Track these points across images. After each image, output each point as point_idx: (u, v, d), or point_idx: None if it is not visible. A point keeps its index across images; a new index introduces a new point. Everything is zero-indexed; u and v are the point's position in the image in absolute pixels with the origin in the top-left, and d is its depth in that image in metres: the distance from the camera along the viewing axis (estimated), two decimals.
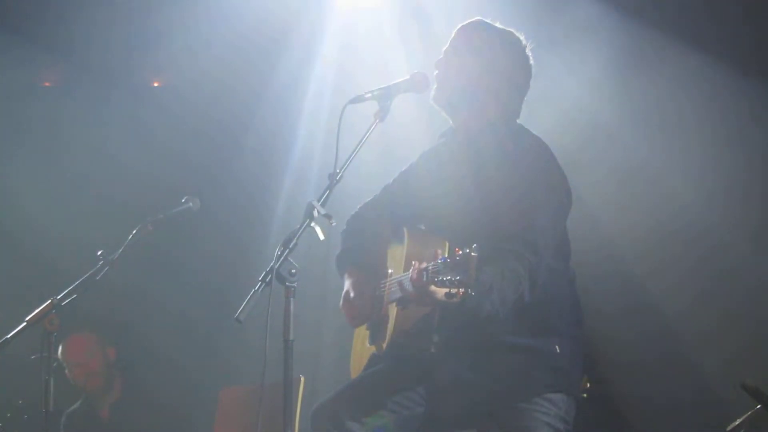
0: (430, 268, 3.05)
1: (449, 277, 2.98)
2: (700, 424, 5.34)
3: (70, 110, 7.02)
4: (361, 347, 3.72)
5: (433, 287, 3.05)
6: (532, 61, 3.68)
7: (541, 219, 3.35)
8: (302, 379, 5.28)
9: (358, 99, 3.42)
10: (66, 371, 6.01)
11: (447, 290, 3.00)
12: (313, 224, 3.21)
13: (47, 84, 7.26)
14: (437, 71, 3.65)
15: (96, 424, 6.01)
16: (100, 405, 6.06)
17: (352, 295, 3.65)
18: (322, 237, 3.21)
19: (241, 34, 6.72)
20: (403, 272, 3.43)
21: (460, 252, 2.96)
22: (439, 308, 3.35)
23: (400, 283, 3.38)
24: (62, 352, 6.02)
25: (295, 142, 6.77)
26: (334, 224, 3.25)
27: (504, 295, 3.20)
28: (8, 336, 4.38)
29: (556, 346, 3.44)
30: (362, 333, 3.75)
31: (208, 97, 6.94)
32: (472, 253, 2.93)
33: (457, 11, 5.68)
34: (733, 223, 5.46)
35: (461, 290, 2.96)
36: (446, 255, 3.02)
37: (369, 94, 3.44)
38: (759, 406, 4.56)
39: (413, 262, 3.14)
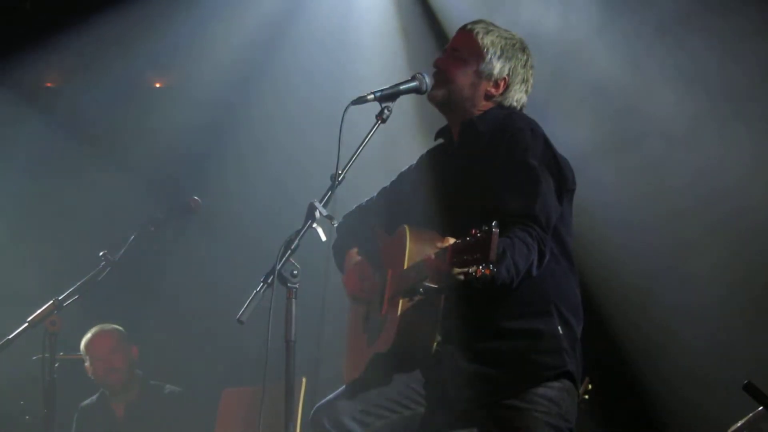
0: (449, 248, 3.04)
1: (467, 257, 2.98)
2: (702, 426, 5.34)
3: (70, 110, 7.03)
4: (358, 348, 3.70)
5: (453, 268, 3.04)
6: (532, 62, 3.68)
7: (540, 195, 3.34)
8: (304, 380, 5.28)
9: (360, 100, 3.42)
10: (86, 363, 5.96)
11: (466, 269, 2.99)
12: (314, 225, 3.21)
13: (49, 84, 7.27)
14: (436, 69, 3.65)
15: (110, 421, 5.99)
16: (117, 402, 6.03)
17: (363, 268, 3.67)
18: (323, 238, 3.21)
19: (243, 32, 6.73)
20: (406, 269, 3.43)
21: (478, 232, 2.96)
22: (444, 300, 3.34)
23: (409, 273, 3.38)
24: (86, 345, 5.97)
25: (297, 142, 6.77)
26: (335, 225, 3.25)
27: (516, 262, 3.19)
28: (10, 336, 4.39)
29: (559, 328, 3.43)
30: (357, 334, 3.74)
31: (209, 97, 6.95)
32: (494, 229, 2.92)
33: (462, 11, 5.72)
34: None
35: (480, 268, 2.96)
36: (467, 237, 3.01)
37: (371, 95, 3.44)
38: (761, 408, 4.56)
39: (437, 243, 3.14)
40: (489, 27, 3.65)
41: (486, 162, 3.48)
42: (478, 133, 3.57)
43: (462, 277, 3.02)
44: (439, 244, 3.09)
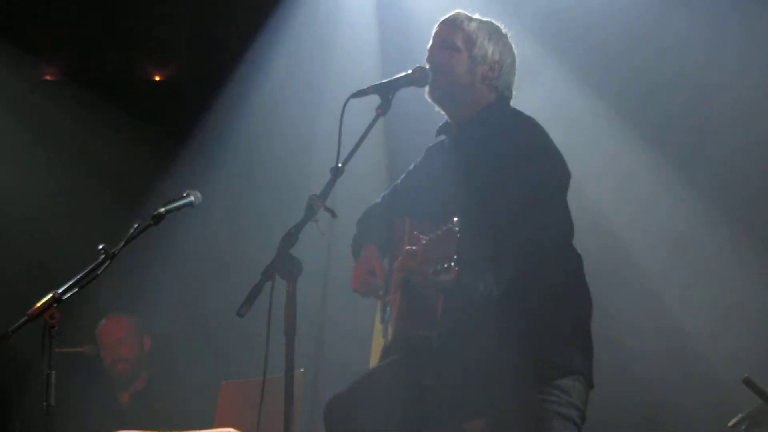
0: (417, 246, 3.09)
1: (433, 256, 3.04)
2: (702, 420, 5.34)
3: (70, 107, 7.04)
4: (378, 339, 3.73)
5: (420, 265, 3.10)
6: (515, 49, 3.71)
7: (544, 207, 3.38)
8: (303, 372, 5.29)
9: (360, 93, 3.44)
10: (98, 349, 6.00)
11: (434, 267, 3.05)
12: (314, 218, 3.21)
13: (48, 78, 7.27)
14: (431, 65, 3.64)
15: (114, 409, 6.00)
16: (123, 391, 6.03)
17: (372, 261, 3.69)
18: (323, 231, 3.22)
19: (242, 27, 6.73)
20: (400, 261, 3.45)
21: (444, 228, 3.00)
22: (442, 295, 3.35)
23: (398, 270, 3.40)
24: (98, 331, 6.01)
25: (296, 135, 6.77)
26: (335, 218, 3.25)
27: (498, 275, 3.24)
28: (9, 330, 4.39)
29: (567, 328, 3.44)
30: (377, 325, 3.77)
31: (209, 92, 6.95)
32: (454, 228, 2.97)
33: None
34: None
35: (446, 266, 3.01)
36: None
37: (371, 88, 3.46)
38: (761, 402, 4.56)
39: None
40: (469, 16, 3.70)
41: (487, 164, 3.49)
42: (477, 133, 3.58)
43: (432, 276, 3.07)
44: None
